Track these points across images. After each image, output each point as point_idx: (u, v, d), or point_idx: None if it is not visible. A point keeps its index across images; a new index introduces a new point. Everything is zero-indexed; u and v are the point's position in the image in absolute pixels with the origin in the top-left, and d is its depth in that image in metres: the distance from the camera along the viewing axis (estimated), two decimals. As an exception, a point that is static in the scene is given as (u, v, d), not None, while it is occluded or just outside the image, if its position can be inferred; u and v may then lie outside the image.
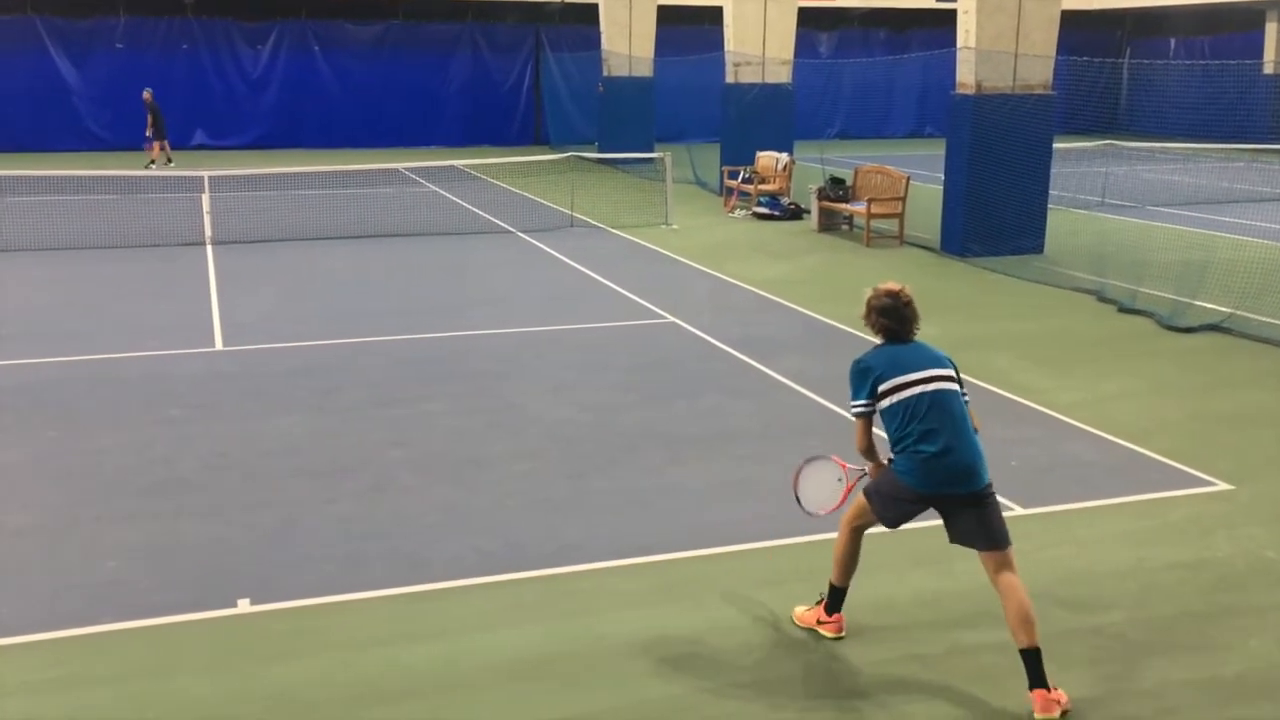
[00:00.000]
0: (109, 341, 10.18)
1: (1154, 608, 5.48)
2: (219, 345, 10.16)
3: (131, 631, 5.14)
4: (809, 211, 17.58)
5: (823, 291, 12.61)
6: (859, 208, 16.35)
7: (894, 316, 4.88)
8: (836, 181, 17.42)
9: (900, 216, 16.09)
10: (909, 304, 4.91)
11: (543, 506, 6.64)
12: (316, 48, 30.03)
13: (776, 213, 18.17)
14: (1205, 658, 5.01)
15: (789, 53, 20.78)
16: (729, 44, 20.67)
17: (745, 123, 20.30)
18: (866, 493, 4.96)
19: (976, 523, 4.71)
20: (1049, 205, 15.09)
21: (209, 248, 14.73)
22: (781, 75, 20.67)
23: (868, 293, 4.93)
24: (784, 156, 19.13)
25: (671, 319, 11.20)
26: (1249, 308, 11.23)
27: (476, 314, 11.45)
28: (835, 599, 5.14)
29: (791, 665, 4.95)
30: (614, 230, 16.72)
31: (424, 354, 9.89)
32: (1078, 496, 6.83)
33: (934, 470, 4.68)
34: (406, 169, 22.45)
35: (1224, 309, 11.18)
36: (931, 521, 6.46)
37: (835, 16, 34.04)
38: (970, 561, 5.97)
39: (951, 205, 15.00)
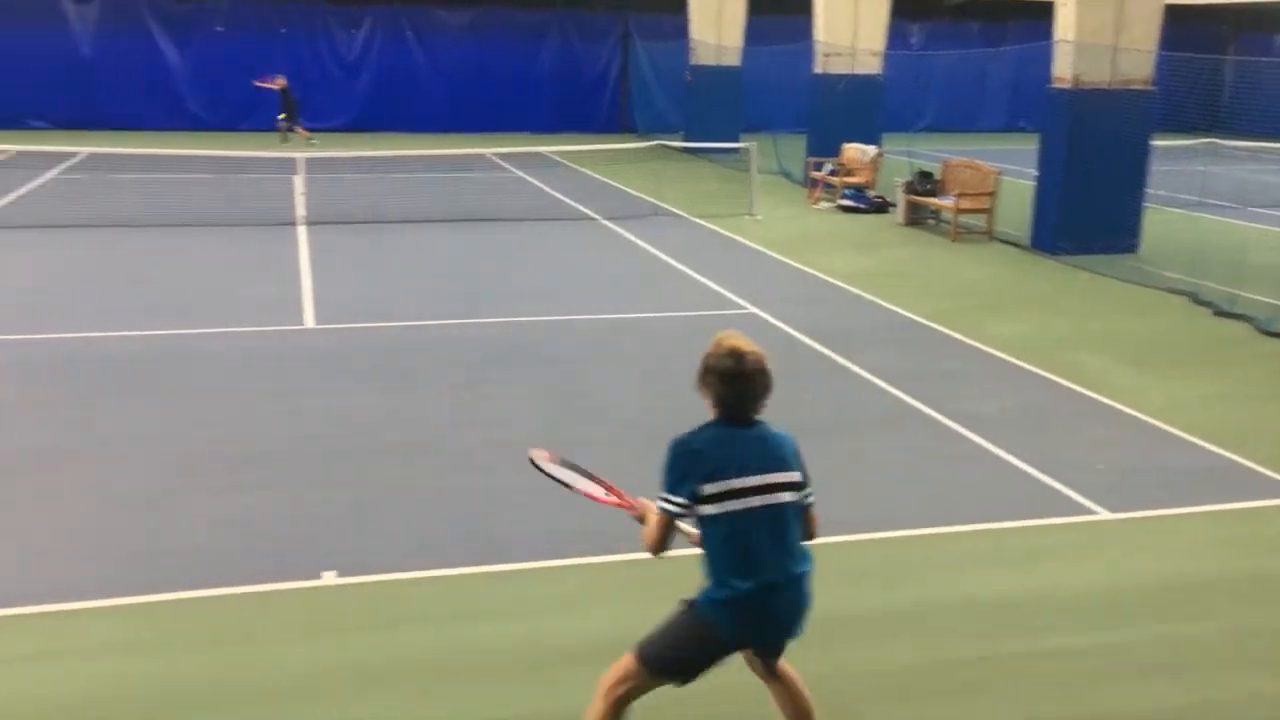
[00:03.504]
0: (205, 317, 10.47)
1: (1244, 619, 5.35)
2: (310, 323, 10.39)
3: (223, 598, 5.30)
4: (895, 205, 17.38)
5: (907, 286, 12.47)
6: (947, 202, 16.12)
7: (734, 387, 3.70)
8: (924, 175, 17.19)
9: (989, 212, 15.83)
10: (758, 374, 3.69)
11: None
12: (410, 33, 30.44)
13: (862, 206, 17.99)
14: (1296, 672, 4.88)
15: (880, 44, 20.54)
16: (818, 34, 20.49)
17: (832, 114, 20.12)
18: (642, 650, 3.79)
19: (776, 653, 3.94)
20: (1145, 204, 14.72)
21: (302, 228, 15.05)
22: (872, 66, 20.43)
23: (708, 348, 3.83)
24: (871, 149, 18.92)
25: (752, 309, 11.17)
26: (1354, 314, 10.86)
27: (558, 299, 11.54)
28: None
29: (849, 660, 4.93)
30: (697, 219, 16.71)
31: (506, 338, 10.01)
32: (1167, 502, 6.68)
33: (752, 613, 3.67)
34: (494, 154, 22.67)
35: (1327, 315, 10.83)
36: (1017, 522, 6.35)
37: (928, 7, 33.52)
38: (1053, 561, 5.92)
39: (1044, 201, 14.72)
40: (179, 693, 4.56)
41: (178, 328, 10.08)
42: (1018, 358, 9.63)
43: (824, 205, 18.52)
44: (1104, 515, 6.46)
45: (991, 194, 15.81)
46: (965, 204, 15.79)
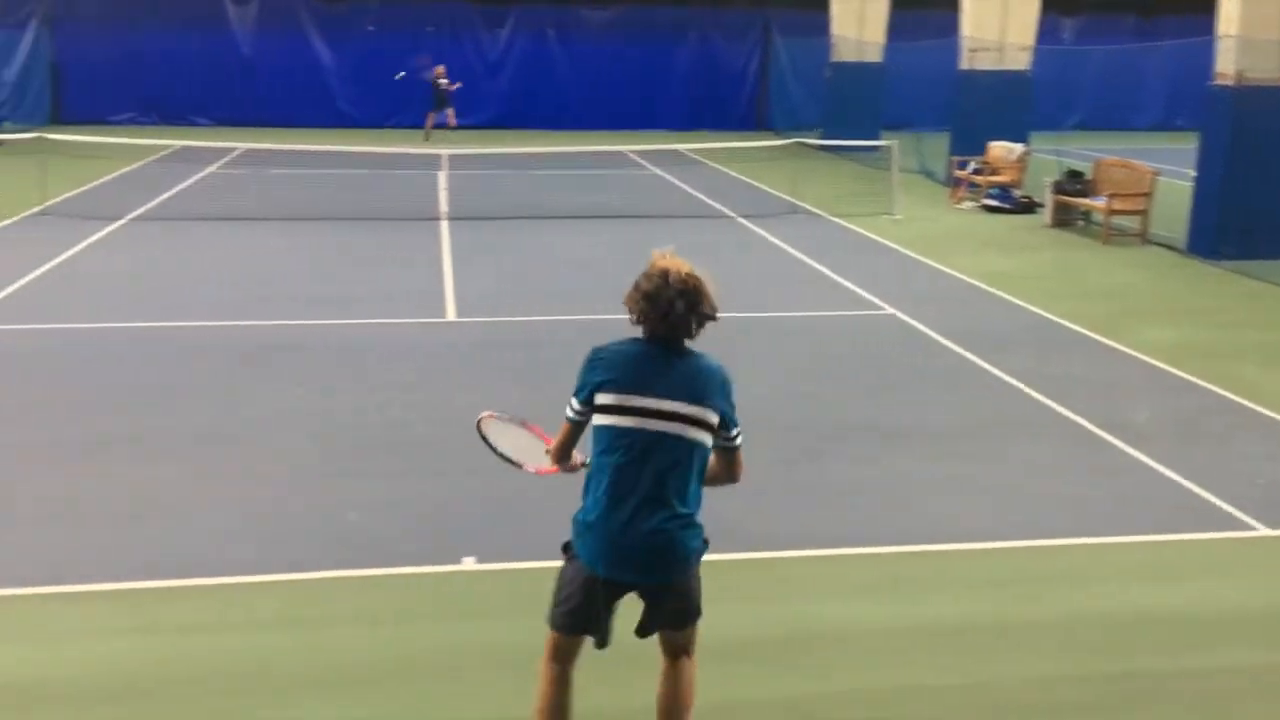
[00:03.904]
0: (350, 308, 10.83)
1: None
2: (451, 316, 10.65)
3: (369, 579, 5.49)
4: (1042, 205, 16.87)
5: (1054, 289, 12.11)
6: (1098, 203, 15.58)
7: (656, 305, 3.52)
8: (1074, 174, 16.64)
9: (1144, 214, 15.23)
10: (687, 294, 3.52)
11: (752, 491, 6.66)
12: (550, 30, 30.90)
13: (1007, 205, 17.52)
14: None
15: (1030, 38, 19.95)
16: (965, 29, 20.02)
17: (978, 111, 19.63)
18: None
19: (662, 613, 3.71)
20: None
21: (444, 223, 15.43)
22: (1020, 62, 19.87)
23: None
24: (1018, 147, 18.41)
25: (891, 310, 11.00)
26: None
27: (695, 297, 11.55)
28: None
29: (991, 671, 4.82)
30: (835, 218, 16.53)
31: (643, 333, 10.07)
32: (1332, 521, 6.34)
33: (607, 543, 3.51)
34: (632, 152, 22.84)
35: None
36: (1166, 535, 6.15)
37: (1080, 0, 32.41)
38: (1205, 576, 5.68)
39: (1203, 203, 14.09)
40: (331, 669, 4.75)
41: (327, 318, 10.45)
42: (1171, 365, 9.26)
43: (967, 205, 18.10)
44: (1261, 531, 6.18)
45: (1146, 194, 15.21)
46: (1118, 205, 15.23)
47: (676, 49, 31.42)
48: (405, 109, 28.76)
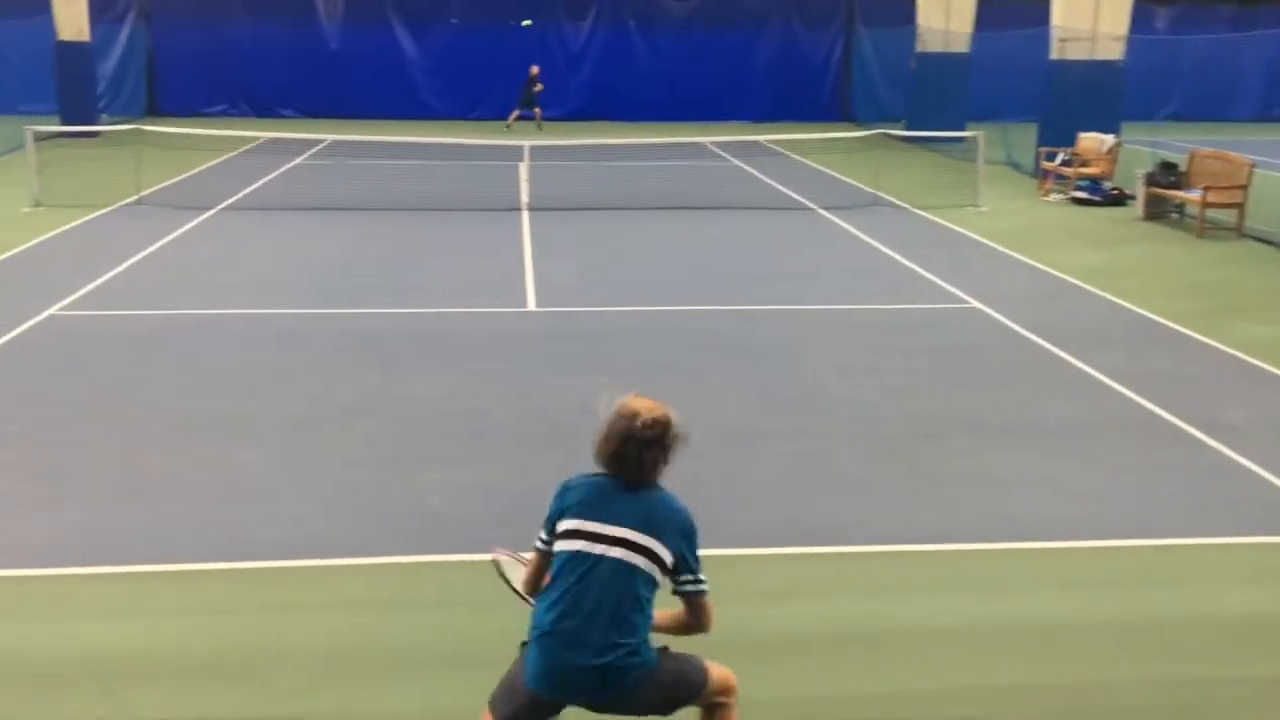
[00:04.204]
0: (433, 297, 10.96)
1: None
2: (531, 306, 10.72)
3: (451, 564, 5.56)
4: (1134, 198, 16.44)
5: (1146, 284, 11.79)
6: (1193, 195, 15.13)
7: (619, 449, 3.54)
8: (1167, 166, 16.17)
9: (1240, 207, 14.77)
10: (654, 441, 3.53)
11: (829, 484, 6.62)
12: (632, 22, 30.90)
13: (1097, 198, 17.11)
14: None
15: (1123, 28, 19.42)
16: (1056, 18, 19.55)
17: (1068, 102, 19.17)
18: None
19: (638, 710, 3.57)
20: None
21: (525, 213, 15.53)
22: (1113, 52, 19.36)
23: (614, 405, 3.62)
24: (1109, 138, 17.96)
25: (976, 304, 10.81)
26: None
27: (774, 289, 11.49)
28: None
29: (1075, 672, 4.71)
30: (919, 211, 16.29)
31: (722, 326, 10.05)
32: None
33: (543, 662, 3.46)
34: (712, 143, 22.76)
35: None
36: (1267, 537, 6.00)
37: (1175, -12, 31.52)
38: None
39: (1302, 196, 13.62)
40: (410, 654, 4.81)
41: (409, 306, 10.59)
42: (1268, 363, 8.96)
43: (1055, 197, 17.72)
44: (1366, 537, 5.95)
45: (1243, 187, 14.74)
46: (1213, 197, 14.78)
47: (758, 39, 31.21)
48: (488, 101, 29.03)
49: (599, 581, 3.44)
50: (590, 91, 30.73)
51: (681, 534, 3.55)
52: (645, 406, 3.57)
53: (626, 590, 3.44)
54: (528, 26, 27.64)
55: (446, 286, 11.41)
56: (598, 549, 3.46)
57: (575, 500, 3.56)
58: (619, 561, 3.45)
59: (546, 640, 3.46)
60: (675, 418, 3.59)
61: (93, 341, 9.32)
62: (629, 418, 3.52)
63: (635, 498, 3.54)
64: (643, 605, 3.48)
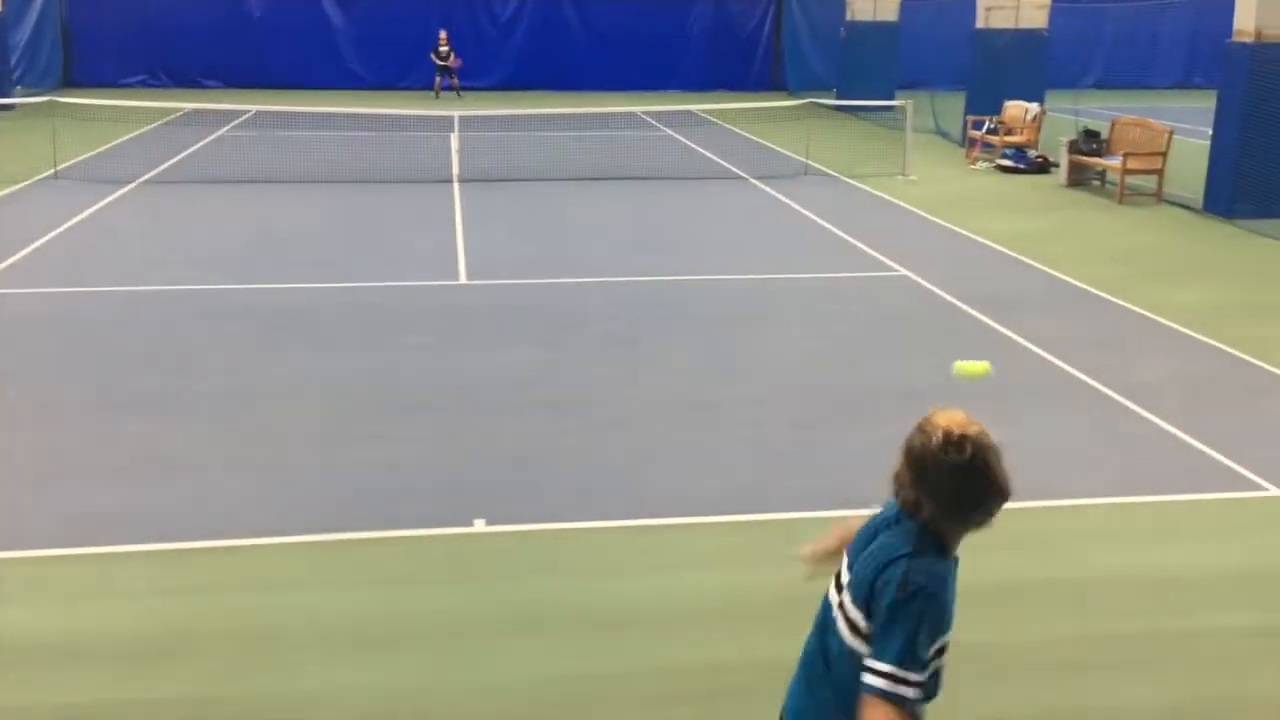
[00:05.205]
0: (361, 270, 10.82)
1: None
2: (462, 279, 10.64)
3: (382, 540, 5.53)
4: (1058, 165, 16.72)
5: (1069, 249, 12.01)
6: (1113, 162, 15.43)
7: (970, 487, 2.85)
8: (1090, 134, 16.45)
9: (1160, 173, 15.08)
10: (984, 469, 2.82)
11: (770, 453, 6.68)
12: (563, -10, 30.61)
13: (1022, 166, 17.37)
14: None
15: (1047, -4, 19.67)
16: (982, -13, 19.75)
17: (994, 70, 19.40)
18: None
19: None
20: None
21: (456, 185, 15.38)
22: (1037, 20, 19.60)
23: (916, 434, 2.89)
24: (1034, 106, 18.22)
25: (904, 272, 10.94)
26: None
27: (707, 259, 11.52)
28: None
29: (995, 630, 4.82)
30: (849, 179, 16.41)
31: (656, 296, 10.06)
32: (1346, 482, 6.31)
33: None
34: (644, 113, 22.69)
35: None
36: (1181, 495, 6.17)
37: (1099, -43, 31.94)
38: (1218, 537, 5.67)
39: (1219, 162, 13.95)
40: (343, 631, 4.78)
41: (335, 280, 10.45)
42: (1186, 327, 9.20)
43: (982, 165, 17.95)
44: (1274, 492, 6.15)
45: (1162, 154, 15.05)
46: (1133, 164, 15.08)
47: (690, 9, 31.06)
48: (418, 70, 28.60)
49: (816, 634, 2.95)
50: (521, 61, 30.39)
51: (886, 605, 2.73)
52: (959, 423, 2.87)
53: (825, 645, 2.90)
54: None
55: (376, 260, 11.27)
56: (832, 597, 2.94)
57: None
58: (830, 610, 2.93)
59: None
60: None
61: (7, 320, 9.07)
62: (957, 445, 2.83)
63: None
64: (833, 663, 2.85)
